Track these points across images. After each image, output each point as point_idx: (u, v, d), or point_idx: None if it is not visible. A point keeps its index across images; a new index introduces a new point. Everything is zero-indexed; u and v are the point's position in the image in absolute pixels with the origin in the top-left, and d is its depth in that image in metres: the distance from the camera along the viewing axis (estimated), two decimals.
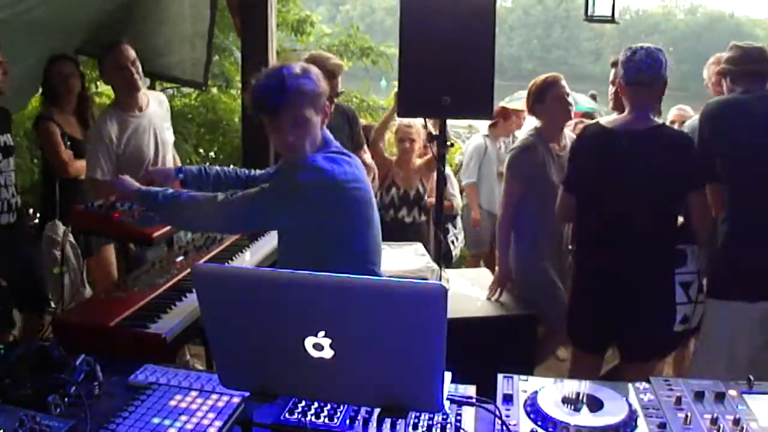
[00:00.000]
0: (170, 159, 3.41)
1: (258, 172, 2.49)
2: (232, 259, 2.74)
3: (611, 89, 3.29)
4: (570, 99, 3.22)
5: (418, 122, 4.13)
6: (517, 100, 4.60)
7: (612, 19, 4.58)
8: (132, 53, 3.13)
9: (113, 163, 3.10)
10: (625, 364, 2.77)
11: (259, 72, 2.03)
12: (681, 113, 4.25)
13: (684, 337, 2.91)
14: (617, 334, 2.73)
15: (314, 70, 2.02)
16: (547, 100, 3.17)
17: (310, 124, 1.99)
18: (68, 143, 3.53)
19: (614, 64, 2.99)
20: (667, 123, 4.02)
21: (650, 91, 2.61)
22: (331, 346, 1.30)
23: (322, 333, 1.30)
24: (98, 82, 4.11)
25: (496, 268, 3.68)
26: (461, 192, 4.87)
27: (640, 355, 2.70)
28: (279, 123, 1.98)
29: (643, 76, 2.57)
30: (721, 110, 2.75)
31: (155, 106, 3.31)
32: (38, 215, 3.92)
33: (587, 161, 2.71)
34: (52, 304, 3.37)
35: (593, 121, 2.99)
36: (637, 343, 2.68)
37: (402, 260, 3.26)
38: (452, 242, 4.64)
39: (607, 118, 2.85)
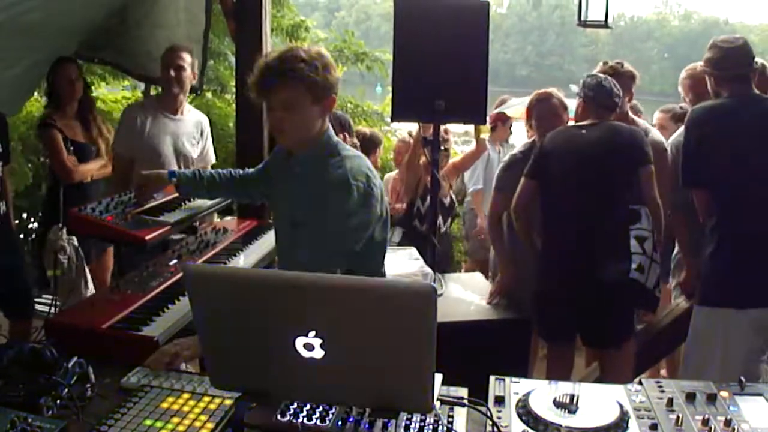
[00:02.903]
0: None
1: (251, 170, 2.50)
2: (226, 263, 2.74)
3: None
4: (556, 114, 3.26)
5: (453, 128, 4.10)
6: (512, 107, 4.61)
7: (605, 25, 4.57)
8: (186, 60, 3.27)
9: (134, 142, 3.25)
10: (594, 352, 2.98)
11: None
12: None
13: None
14: (578, 319, 2.85)
15: (326, 60, 1.97)
16: (535, 117, 3.31)
17: (304, 110, 1.95)
18: (71, 148, 3.53)
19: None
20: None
21: (611, 113, 2.92)
22: (321, 346, 1.31)
23: (312, 333, 1.30)
24: (93, 86, 4.11)
25: (489, 273, 3.70)
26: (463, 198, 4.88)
27: (599, 339, 2.91)
28: (272, 104, 1.96)
29: (611, 102, 2.91)
30: (708, 116, 2.74)
31: (189, 124, 3.41)
32: (38, 221, 3.88)
33: (551, 151, 2.94)
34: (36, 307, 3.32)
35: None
36: (596, 327, 2.83)
37: (396, 264, 3.25)
38: None
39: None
